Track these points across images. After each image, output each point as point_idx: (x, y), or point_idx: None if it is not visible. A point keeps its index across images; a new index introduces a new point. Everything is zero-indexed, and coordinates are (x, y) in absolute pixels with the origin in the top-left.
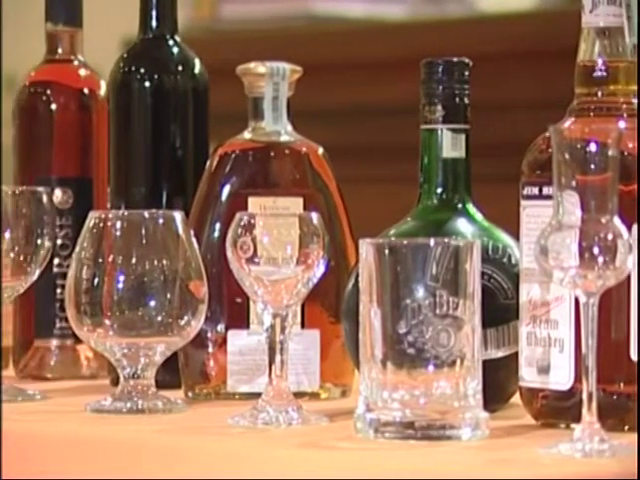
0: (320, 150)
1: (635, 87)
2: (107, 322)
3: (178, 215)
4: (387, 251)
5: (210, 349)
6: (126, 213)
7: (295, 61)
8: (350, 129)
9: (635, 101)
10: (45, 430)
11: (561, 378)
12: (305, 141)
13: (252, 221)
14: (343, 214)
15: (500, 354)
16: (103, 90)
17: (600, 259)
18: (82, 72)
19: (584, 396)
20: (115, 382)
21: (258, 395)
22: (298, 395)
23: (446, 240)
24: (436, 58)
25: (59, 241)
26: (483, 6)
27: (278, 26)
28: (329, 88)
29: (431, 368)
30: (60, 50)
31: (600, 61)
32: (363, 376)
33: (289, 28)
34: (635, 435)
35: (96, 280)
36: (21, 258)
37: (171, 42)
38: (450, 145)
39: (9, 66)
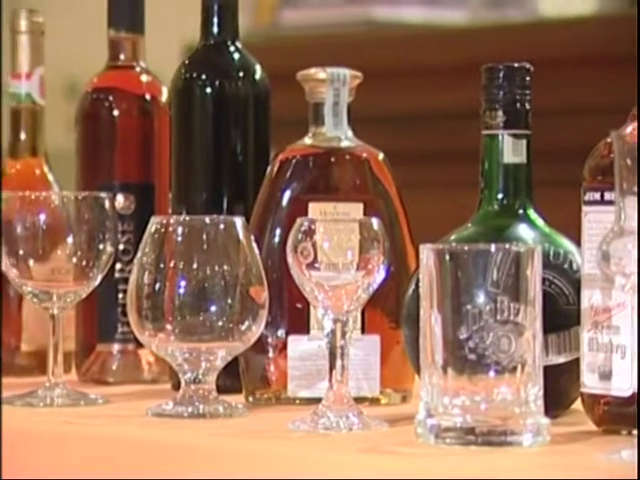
0: (380, 156)
1: None
2: (168, 327)
3: (239, 221)
4: (448, 257)
5: (271, 354)
6: (187, 219)
7: (355, 67)
8: (411, 134)
9: None
10: (107, 434)
11: (623, 384)
12: (365, 147)
13: (312, 227)
14: (403, 219)
15: (561, 360)
16: (165, 96)
17: None
18: (144, 78)
19: None
20: (176, 387)
21: (318, 400)
22: (358, 400)
23: (507, 246)
24: (497, 63)
25: (121, 246)
26: (544, 11)
27: (338, 32)
28: (389, 93)
29: (492, 374)
30: (122, 56)
31: None
32: (424, 382)
33: (349, 34)
34: None
35: (157, 285)
36: (83, 263)
37: (232, 48)
38: (511, 150)
39: (71, 72)
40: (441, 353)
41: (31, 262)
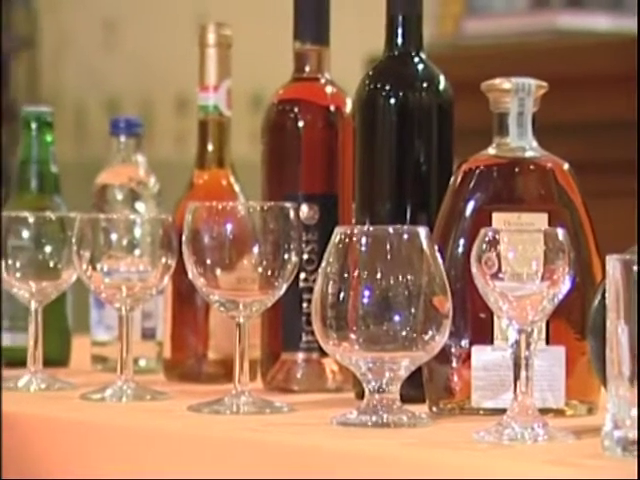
0: (565, 166)
1: None
2: (352, 336)
3: (422, 231)
4: (635, 267)
5: (454, 364)
6: (371, 229)
7: (539, 76)
8: (596, 143)
9: None
10: (292, 442)
11: None
12: (550, 157)
13: (497, 237)
14: (589, 230)
15: None
16: (349, 107)
17: None
18: (329, 90)
19: None
20: (360, 395)
21: (503, 411)
22: (543, 412)
23: None
24: None
25: (305, 256)
26: None
27: (522, 41)
28: (575, 102)
29: None
30: (307, 68)
31: None
32: (610, 393)
33: (533, 43)
34: None
35: (342, 295)
36: (269, 273)
37: (416, 59)
38: None
39: (255, 84)
40: (628, 365)
41: (218, 271)
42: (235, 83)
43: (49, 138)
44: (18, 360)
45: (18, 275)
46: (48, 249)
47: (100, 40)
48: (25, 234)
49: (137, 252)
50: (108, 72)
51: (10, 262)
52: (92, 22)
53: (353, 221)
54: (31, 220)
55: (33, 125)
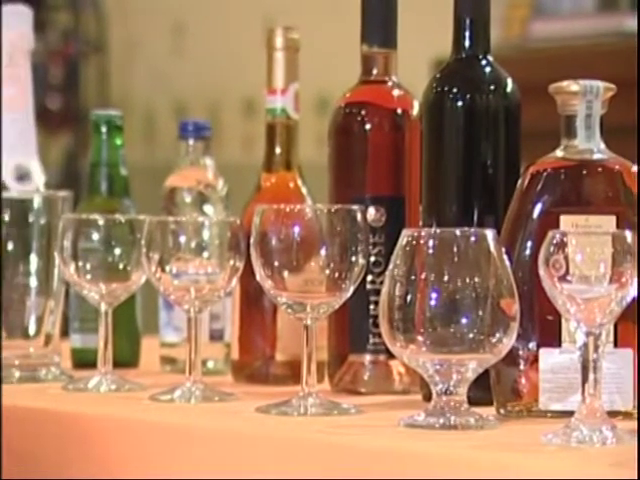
0: (634, 167)
1: None
2: (420, 338)
3: (490, 233)
4: None
5: (522, 366)
6: (438, 231)
7: (606, 77)
8: None
9: None
10: (360, 444)
11: None
12: (618, 159)
13: (564, 239)
14: None
15: None
16: (415, 110)
17: None
18: (396, 92)
19: None
20: (427, 398)
21: (570, 413)
22: (611, 414)
23: None
24: None
25: (372, 258)
26: None
27: (589, 43)
28: None
29: None
30: (375, 71)
31: None
32: None
33: (600, 44)
34: None
35: (409, 297)
36: (336, 275)
37: (484, 62)
38: None
39: (321, 87)
40: None
41: (285, 274)
42: (302, 86)
43: (119, 141)
44: (88, 361)
45: (88, 277)
46: (118, 251)
47: (169, 44)
48: (95, 236)
49: (205, 254)
50: (176, 76)
51: (80, 264)
52: (161, 26)
53: (420, 223)
54: (101, 223)
55: (103, 128)
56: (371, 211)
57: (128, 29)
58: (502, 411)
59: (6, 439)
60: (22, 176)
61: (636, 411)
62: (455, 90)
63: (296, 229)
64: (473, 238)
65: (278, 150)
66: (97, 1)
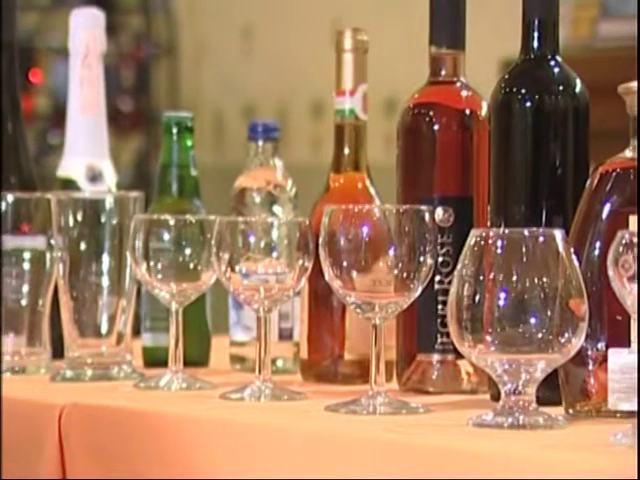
0: None
1: None
2: (488, 338)
3: (558, 233)
4: None
5: (590, 367)
6: (506, 231)
7: None
8: None
9: None
10: (429, 442)
11: None
12: None
13: (634, 239)
14: None
15: None
16: (484, 111)
17: None
18: (464, 93)
19: None
20: (495, 397)
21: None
22: None
23: None
24: None
25: (440, 258)
26: None
27: None
28: None
29: None
30: (443, 72)
31: None
32: None
33: None
34: None
35: (477, 297)
36: (404, 275)
37: (552, 62)
38: None
39: (389, 88)
40: None
41: (354, 273)
42: (370, 87)
43: (189, 142)
44: (159, 360)
45: (159, 277)
46: (188, 251)
47: (237, 47)
48: (166, 237)
49: (275, 254)
50: (245, 78)
51: (152, 264)
52: (230, 29)
53: (488, 224)
54: (172, 223)
55: (174, 130)
56: (439, 211)
57: (198, 32)
58: (571, 411)
59: (80, 437)
60: (94, 177)
61: None
62: (524, 91)
63: (364, 229)
64: (542, 238)
65: (347, 151)
66: (168, 5)
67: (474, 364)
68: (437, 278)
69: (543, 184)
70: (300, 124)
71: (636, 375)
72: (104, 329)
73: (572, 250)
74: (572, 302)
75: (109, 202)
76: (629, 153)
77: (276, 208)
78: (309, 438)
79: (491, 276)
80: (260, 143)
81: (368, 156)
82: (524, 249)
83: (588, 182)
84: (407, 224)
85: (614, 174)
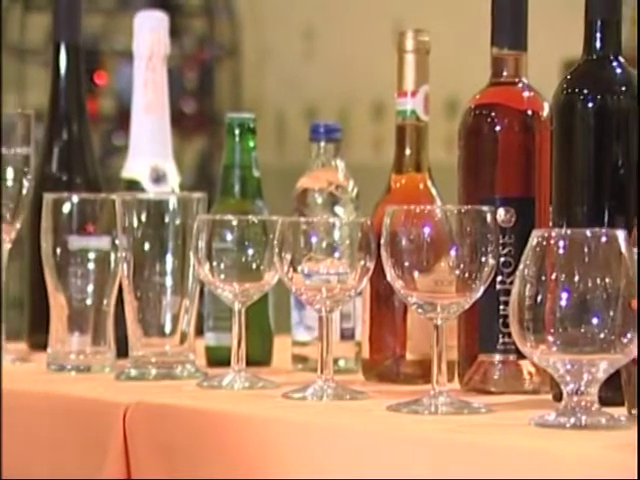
0: None
1: None
2: (550, 339)
3: (621, 233)
4: None
5: None
6: (569, 232)
7: None
8: None
9: None
10: (491, 442)
11: None
12: None
13: None
14: None
15: None
16: (546, 111)
17: None
18: (526, 94)
19: None
20: (557, 397)
21: None
22: None
23: None
24: None
25: (502, 259)
26: None
27: None
28: None
29: None
30: (505, 73)
31: None
32: None
33: None
34: None
35: (539, 297)
36: (466, 275)
37: (615, 63)
38: None
39: (451, 89)
40: None
41: (416, 274)
42: (431, 88)
43: (252, 143)
44: (222, 359)
45: (222, 277)
46: (251, 251)
47: (299, 49)
48: (229, 237)
49: (337, 254)
50: (307, 79)
51: (215, 264)
52: (292, 31)
53: (550, 224)
54: (235, 223)
55: (237, 131)
56: (501, 212)
57: (261, 34)
58: (633, 411)
59: (144, 435)
60: (158, 178)
61: None
62: (586, 91)
63: (426, 230)
64: (604, 238)
65: (408, 152)
66: (231, 8)
67: (536, 364)
68: (499, 278)
69: (605, 184)
70: (362, 125)
71: None
72: (168, 328)
73: (635, 250)
74: (634, 302)
75: (173, 203)
76: None
77: (338, 209)
78: (371, 438)
79: (553, 276)
80: (322, 144)
81: (429, 157)
82: (586, 249)
83: None
84: (469, 225)
85: None
